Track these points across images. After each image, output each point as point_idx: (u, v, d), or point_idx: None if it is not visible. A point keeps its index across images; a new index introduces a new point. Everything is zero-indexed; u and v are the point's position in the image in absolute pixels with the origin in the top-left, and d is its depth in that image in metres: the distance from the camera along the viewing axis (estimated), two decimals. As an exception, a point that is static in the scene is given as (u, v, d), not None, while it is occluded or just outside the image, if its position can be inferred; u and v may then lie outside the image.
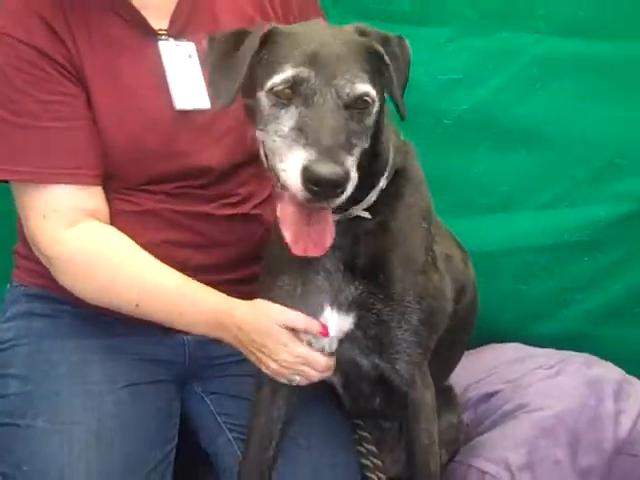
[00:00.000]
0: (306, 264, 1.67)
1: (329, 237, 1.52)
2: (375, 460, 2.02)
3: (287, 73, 1.47)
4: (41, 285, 1.94)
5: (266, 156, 1.56)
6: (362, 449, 2.03)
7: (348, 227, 1.64)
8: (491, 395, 2.24)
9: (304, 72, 1.46)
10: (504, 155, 2.40)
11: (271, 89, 1.49)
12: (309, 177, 1.38)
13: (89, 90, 1.82)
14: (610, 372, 2.26)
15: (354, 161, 1.46)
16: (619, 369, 2.30)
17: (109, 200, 1.87)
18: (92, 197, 1.83)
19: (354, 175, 1.43)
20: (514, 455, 2.01)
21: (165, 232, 1.88)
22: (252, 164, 1.91)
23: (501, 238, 2.47)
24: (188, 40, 1.88)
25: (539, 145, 2.40)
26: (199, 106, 1.87)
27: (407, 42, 1.60)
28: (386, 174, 1.65)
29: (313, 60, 1.47)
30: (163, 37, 1.87)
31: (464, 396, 2.26)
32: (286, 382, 1.77)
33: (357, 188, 1.52)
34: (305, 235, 1.50)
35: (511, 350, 2.45)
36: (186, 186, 1.89)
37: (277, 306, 1.71)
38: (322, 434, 1.93)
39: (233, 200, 1.94)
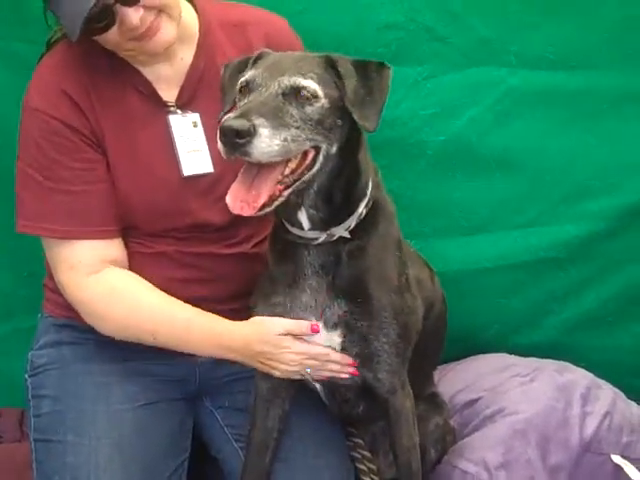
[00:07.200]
0: (294, 284, 1.84)
1: (262, 200, 1.64)
2: (369, 464, 2.14)
3: (245, 77, 1.73)
4: (68, 316, 2.08)
5: None
6: (357, 454, 2.14)
7: (331, 249, 1.81)
8: (474, 401, 2.34)
9: (255, 73, 1.70)
10: (482, 180, 2.48)
11: (239, 90, 1.73)
12: (220, 130, 1.57)
13: (108, 156, 1.97)
14: (580, 378, 2.33)
15: (277, 129, 1.60)
16: (590, 374, 2.37)
17: (125, 243, 2.02)
18: (113, 248, 1.99)
19: (265, 133, 1.57)
20: (491, 455, 2.12)
21: (173, 270, 2.03)
22: None
23: (483, 257, 2.53)
24: (193, 111, 2.01)
25: (514, 170, 2.48)
26: (203, 171, 2.01)
27: (388, 68, 1.73)
28: (364, 202, 1.81)
29: (269, 66, 1.72)
30: (171, 108, 2.00)
31: (452, 402, 2.36)
32: (300, 377, 1.91)
33: (337, 209, 1.75)
34: (242, 196, 1.65)
35: (495, 360, 2.54)
36: (193, 232, 2.04)
37: (269, 318, 1.87)
38: (316, 440, 2.05)
39: (235, 241, 2.08)
